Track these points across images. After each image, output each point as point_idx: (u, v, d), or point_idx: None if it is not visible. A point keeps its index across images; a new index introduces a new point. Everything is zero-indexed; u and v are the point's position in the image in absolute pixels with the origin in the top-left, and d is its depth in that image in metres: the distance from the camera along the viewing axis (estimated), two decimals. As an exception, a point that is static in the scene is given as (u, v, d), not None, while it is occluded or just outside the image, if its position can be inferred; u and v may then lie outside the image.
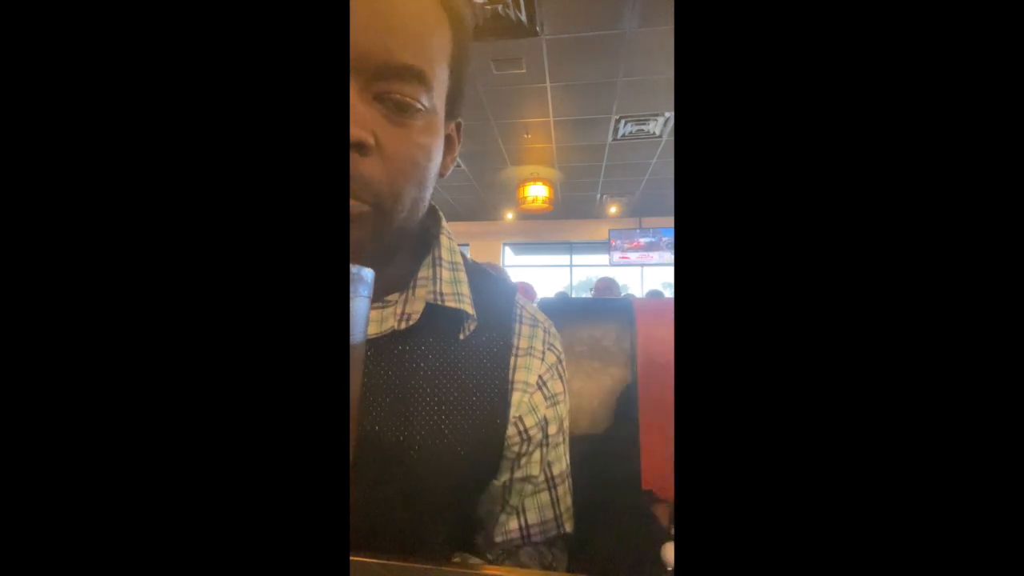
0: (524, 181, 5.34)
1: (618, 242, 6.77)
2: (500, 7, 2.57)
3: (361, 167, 0.31)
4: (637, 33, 2.79)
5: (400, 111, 0.32)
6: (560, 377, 0.47)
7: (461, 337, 0.42)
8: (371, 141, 0.31)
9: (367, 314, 0.29)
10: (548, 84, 3.43)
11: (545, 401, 0.45)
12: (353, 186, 0.31)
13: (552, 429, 0.46)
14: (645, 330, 0.71)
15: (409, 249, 0.42)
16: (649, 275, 6.94)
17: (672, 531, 0.47)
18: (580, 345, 0.73)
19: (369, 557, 0.34)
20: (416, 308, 0.39)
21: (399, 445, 0.38)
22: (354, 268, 0.26)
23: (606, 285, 3.66)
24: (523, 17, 2.64)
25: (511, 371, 0.43)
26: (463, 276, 0.43)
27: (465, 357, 0.42)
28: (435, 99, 0.34)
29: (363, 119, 0.31)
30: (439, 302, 0.40)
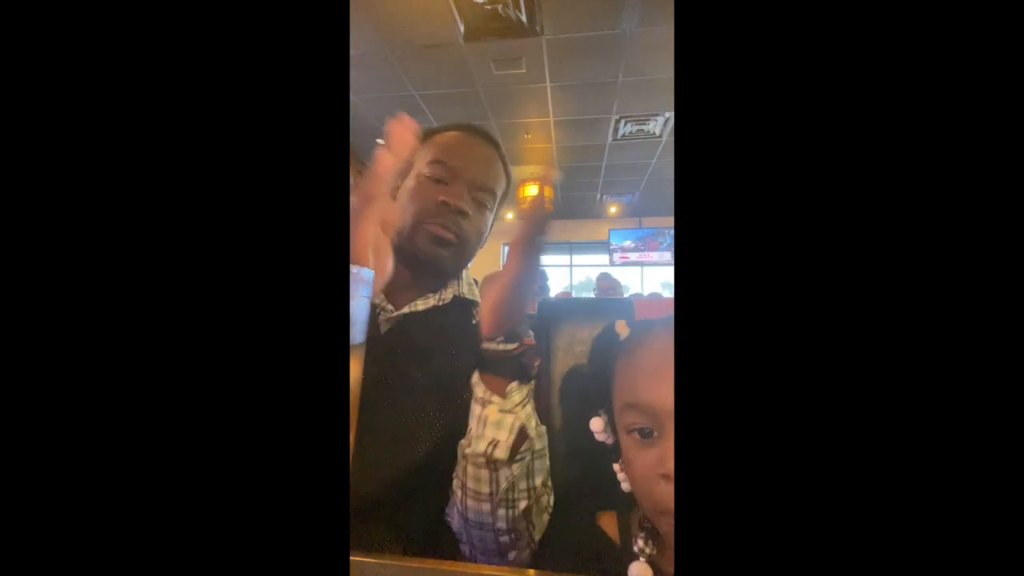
0: (524, 181, 5.34)
1: (618, 243, 6.78)
2: (500, 7, 2.57)
3: (463, 223, 0.67)
4: (637, 33, 2.79)
5: (483, 205, 0.70)
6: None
7: (473, 322, 0.72)
8: (470, 213, 0.67)
9: (367, 314, 0.29)
10: (548, 84, 3.43)
11: None
12: (453, 227, 0.66)
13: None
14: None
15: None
16: (649, 275, 6.93)
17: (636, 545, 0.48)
18: (580, 345, 0.73)
19: (369, 557, 0.34)
20: (447, 297, 0.72)
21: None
22: (354, 268, 0.26)
23: (609, 284, 3.60)
24: (523, 17, 2.64)
25: None
26: (476, 290, 0.77)
27: (475, 329, 0.67)
28: (493, 205, 0.73)
29: (466, 203, 0.67)
30: (461, 295, 0.73)
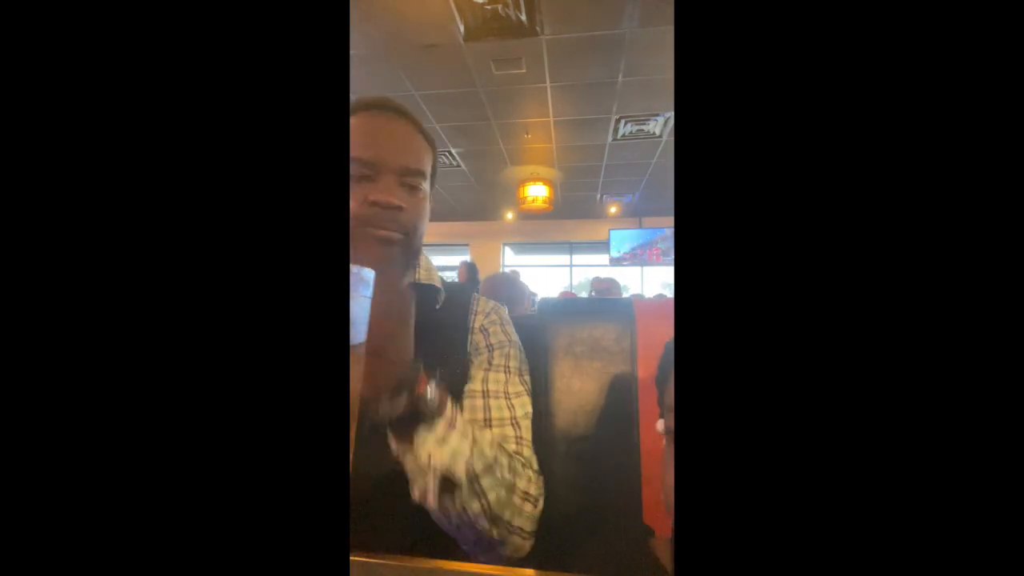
0: (524, 181, 5.34)
1: (616, 243, 6.78)
2: (500, 7, 2.57)
3: (399, 216, 0.62)
4: (637, 33, 2.79)
5: (414, 188, 0.65)
6: (503, 331, 0.74)
7: (436, 307, 0.71)
8: (404, 205, 0.62)
9: (367, 314, 0.29)
10: (548, 84, 3.43)
11: (486, 339, 0.72)
12: (393, 225, 0.62)
13: (496, 357, 0.71)
14: (645, 330, 0.71)
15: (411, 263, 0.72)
16: (650, 274, 6.94)
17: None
18: (580, 345, 0.73)
19: (369, 557, 0.34)
20: (402, 287, 0.68)
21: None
22: (354, 268, 0.26)
23: (606, 286, 3.60)
24: (523, 17, 2.64)
25: (470, 324, 0.72)
26: (436, 275, 0.74)
27: (439, 316, 0.70)
28: (426, 183, 0.68)
29: (399, 194, 0.62)
30: (418, 279, 0.70)
